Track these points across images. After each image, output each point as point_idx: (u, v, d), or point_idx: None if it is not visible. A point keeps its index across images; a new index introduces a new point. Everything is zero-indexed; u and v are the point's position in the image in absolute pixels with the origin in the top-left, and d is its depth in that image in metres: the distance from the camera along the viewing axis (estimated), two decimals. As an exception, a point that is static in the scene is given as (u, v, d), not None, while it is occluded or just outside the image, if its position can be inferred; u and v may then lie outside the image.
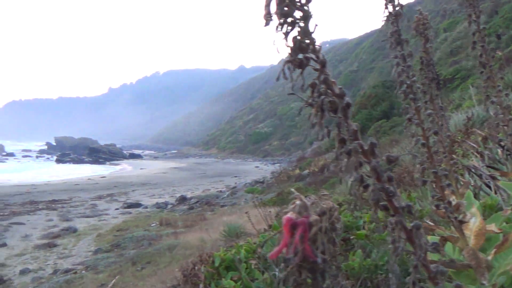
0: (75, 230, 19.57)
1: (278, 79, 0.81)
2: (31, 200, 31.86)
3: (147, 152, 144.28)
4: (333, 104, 0.78)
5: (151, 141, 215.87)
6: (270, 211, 10.57)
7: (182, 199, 28.28)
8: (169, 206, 27.13)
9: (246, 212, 10.62)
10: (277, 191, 19.08)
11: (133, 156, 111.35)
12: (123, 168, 77.42)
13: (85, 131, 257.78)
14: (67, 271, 12.10)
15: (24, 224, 22.36)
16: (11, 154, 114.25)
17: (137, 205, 28.39)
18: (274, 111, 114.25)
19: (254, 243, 2.50)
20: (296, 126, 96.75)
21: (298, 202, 0.75)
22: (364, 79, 76.60)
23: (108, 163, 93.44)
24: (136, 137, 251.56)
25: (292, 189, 0.86)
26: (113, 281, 9.47)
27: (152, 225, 18.18)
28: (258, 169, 64.42)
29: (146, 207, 27.44)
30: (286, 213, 0.75)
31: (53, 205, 29.20)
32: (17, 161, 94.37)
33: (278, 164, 63.08)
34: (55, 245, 16.60)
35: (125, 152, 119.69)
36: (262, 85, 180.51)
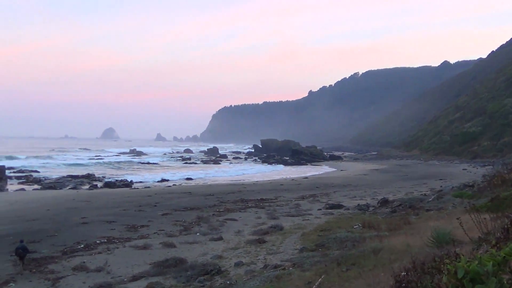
0: (281, 228, 20.59)
1: None
2: (242, 198, 34.52)
3: (346, 153, 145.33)
4: None
5: (351, 142, 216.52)
6: (484, 218, 9.70)
7: (384, 202, 27.70)
8: (371, 208, 26.82)
9: (457, 218, 9.92)
10: (491, 196, 17.42)
11: (333, 158, 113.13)
12: (324, 170, 79.13)
13: (287, 134, 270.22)
14: (276, 266, 12.78)
15: (236, 220, 24.32)
16: (224, 156, 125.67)
17: (338, 206, 28.68)
18: (483, 109, 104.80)
19: (499, 255, 2.27)
20: (511, 125, 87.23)
21: None
22: None
23: (309, 164, 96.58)
24: (335, 139, 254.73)
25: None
26: (319, 280, 9.67)
27: (355, 226, 18.14)
28: (465, 171, 59.89)
29: (348, 209, 27.55)
30: None
31: (261, 204, 31.19)
32: (229, 162, 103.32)
33: (490, 166, 57.80)
34: (264, 241, 17.68)
35: (325, 153, 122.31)
36: (469, 81, 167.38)
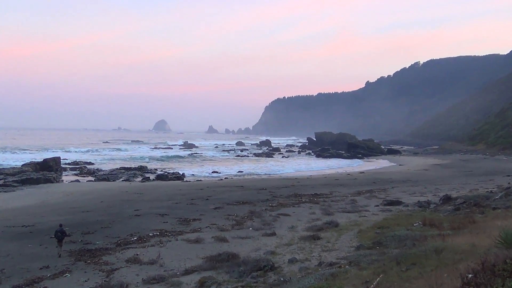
0: (336, 225, 20.41)
1: None
2: (295, 193, 34.48)
3: (405, 147, 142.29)
4: None
5: (410, 136, 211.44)
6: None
7: (447, 199, 26.92)
8: (432, 205, 26.15)
9: (528, 218, 9.53)
10: None
11: (392, 152, 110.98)
12: (382, 164, 77.81)
13: (343, 126, 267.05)
14: (331, 264, 12.69)
15: (290, 215, 24.32)
16: (277, 149, 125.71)
17: (397, 202, 28.17)
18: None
19: None
20: None
21: None
22: None
23: (366, 158, 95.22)
24: (394, 132, 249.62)
25: None
26: (377, 279, 9.52)
27: (415, 224, 17.74)
28: (537, 168, 57.41)
29: (407, 206, 27.01)
30: None
31: (315, 199, 31.04)
32: (282, 155, 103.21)
33: None
34: (318, 238, 17.59)
35: (383, 147, 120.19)
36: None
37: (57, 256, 16.25)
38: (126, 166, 62.67)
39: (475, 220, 16.51)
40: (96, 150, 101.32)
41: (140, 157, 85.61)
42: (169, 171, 56.43)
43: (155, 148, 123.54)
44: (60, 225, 17.25)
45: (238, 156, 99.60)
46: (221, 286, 12.00)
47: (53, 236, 17.03)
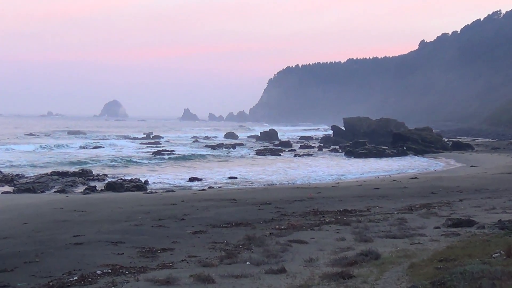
0: (377, 256, 20.41)
1: None
2: (315, 209, 34.42)
3: (480, 140, 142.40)
4: None
5: (488, 123, 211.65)
6: None
7: (542, 217, 27.07)
8: (521, 226, 26.25)
9: None
10: None
11: (458, 147, 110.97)
12: (444, 165, 77.97)
13: (385, 109, 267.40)
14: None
15: (307, 243, 24.29)
16: (286, 144, 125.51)
17: (467, 222, 28.17)
18: None
19: None
20: None
21: None
22: None
23: (420, 156, 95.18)
24: (462, 117, 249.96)
25: None
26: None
27: (495, 255, 17.79)
28: None
29: (483, 227, 27.01)
30: None
31: (345, 218, 30.96)
32: (293, 154, 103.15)
33: None
34: (350, 276, 17.58)
35: (445, 139, 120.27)
36: None
37: None
38: (60, 170, 62.62)
39: None
40: (16, 146, 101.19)
41: (81, 156, 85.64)
42: (125, 178, 56.44)
43: (104, 142, 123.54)
44: None
45: (228, 154, 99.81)
46: None
47: None
